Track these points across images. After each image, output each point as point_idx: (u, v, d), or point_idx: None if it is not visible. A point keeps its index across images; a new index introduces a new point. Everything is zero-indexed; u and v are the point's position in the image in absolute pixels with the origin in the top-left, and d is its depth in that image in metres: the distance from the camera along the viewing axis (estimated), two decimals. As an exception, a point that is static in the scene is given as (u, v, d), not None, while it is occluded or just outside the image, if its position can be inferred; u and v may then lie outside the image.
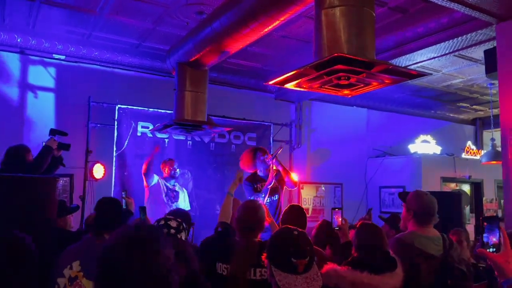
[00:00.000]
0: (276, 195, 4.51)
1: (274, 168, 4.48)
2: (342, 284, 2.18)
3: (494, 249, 1.35)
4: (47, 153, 3.75)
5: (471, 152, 8.19)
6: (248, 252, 2.34)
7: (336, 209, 3.11)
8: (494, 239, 1.35)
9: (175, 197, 5.10)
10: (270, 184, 4.37)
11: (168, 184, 5.14)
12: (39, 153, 3.76)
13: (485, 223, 1.38)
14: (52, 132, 3.94)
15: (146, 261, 1.21)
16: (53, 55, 5.49)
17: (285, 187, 4.62)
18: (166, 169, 5.20)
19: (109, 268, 1.21)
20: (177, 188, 5.23)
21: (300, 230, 1.81)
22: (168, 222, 2.04)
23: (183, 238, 2.03)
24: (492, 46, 4.58)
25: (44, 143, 3.87)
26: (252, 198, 4.32)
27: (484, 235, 1.37)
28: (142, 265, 1.20)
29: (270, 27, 3.53)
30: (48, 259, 2.24)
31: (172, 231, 2.00)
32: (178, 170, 5.26)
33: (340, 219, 3.05)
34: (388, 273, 2.24)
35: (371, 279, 2.19)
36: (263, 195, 4.36)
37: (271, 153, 4.83)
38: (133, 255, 1.20)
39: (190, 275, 1.85)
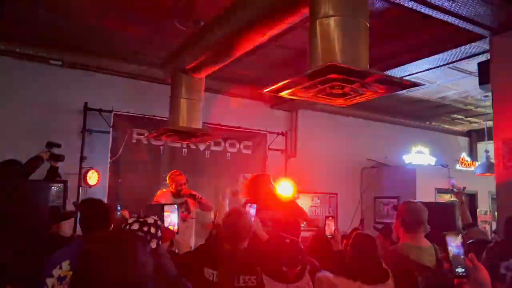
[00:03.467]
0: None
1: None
2: None
3: (463, 270, 1.34)
4: (35, 160, 4.04)
5: (465, 164, 8.22)
6: (234, 260, 2.33)
7: (330, 217, 3.13)
8: (461, 255, 1.35)
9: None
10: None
11: (175, 199, 4.73)
12: (29, 159, 3.98)
13: (446, 236, 1.38)
14: (48, 145, 4.30)
15: (121, 266, 1.19)
16: (50, 61, 5.49)
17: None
18: (173, 185, 4.82)
19: (84, 271, 1.20)
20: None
21: (292, 238, 1.82)
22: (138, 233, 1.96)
23: (153, 246, 1.97)
24: (486, 59, 4.63)
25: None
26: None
27: (449, 247, 1.36)
28: (118, 271, 1.19)
29: (265, 37, 3.56)
30: (39, 264, 2.23)
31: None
32: (183, 191, 4.80)
33: (333, 228, 3.07)
34: (380, 284, 2.24)
35: None
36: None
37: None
38: (108, 260, 1.19)
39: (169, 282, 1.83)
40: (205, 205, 4.82)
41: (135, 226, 1.97)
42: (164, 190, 5.01)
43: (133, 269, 1.21)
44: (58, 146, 4.36)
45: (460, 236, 1.38)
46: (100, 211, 2.49)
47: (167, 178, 4.93)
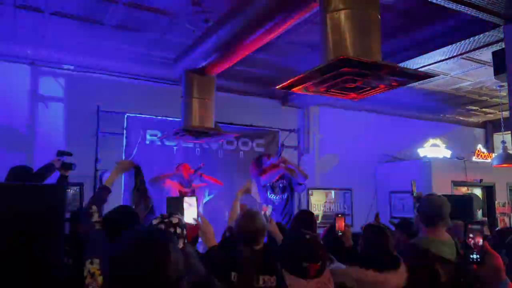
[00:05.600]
0: (286, 194, 4.76)
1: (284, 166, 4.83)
2: (347, 281, 2.19)
3: (478, 256, 1.36)
4: (48, 167, 4.07)
5: (481, 156, 8.09)
6: (252, 260, 2.33)
7: (340, 215, 3.13)
8: (477, 242, 1.37)
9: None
10: (276, 174, 4.65)
11: (184, 189, 5.02)
12: (41, 167, 4.02)
13: (469, 225, 1.40)
14: (59, 153, 4.30)
15: (158, 262, 1.19)
16: (63, 65, 5.57)
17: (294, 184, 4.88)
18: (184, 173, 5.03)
19: (118, 268, 1.20)
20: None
21: (312, 234, 1.81)
22: None
23: (180, 246, 1.95)
24: (500, 48, 4.54)
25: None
26: (263, 203, 4.46)
27: (470, 235, 1.39)
28: (155, 266, 1.18)
29: (276, 33, 3.55)
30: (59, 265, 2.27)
31: None
32: (195, 171, 5.03)
33: (343, 225, 3.06)
34: (392, 271, 2.25)
35: (376, 277, 2.21)
36: (275, 194, 4.69)
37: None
38: (144, 256, 1.19)
39: (199, 282, 1.83)
40: (211, 180, 5.15)
41: (161, 227, 1.97)
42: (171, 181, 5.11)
43: (166, 267, 1.20)
44: (69, 154, 4.36)
45: (481, 226, 1.39)
46: (129, 216, 2.50)
47: (175, 171, 5.14)
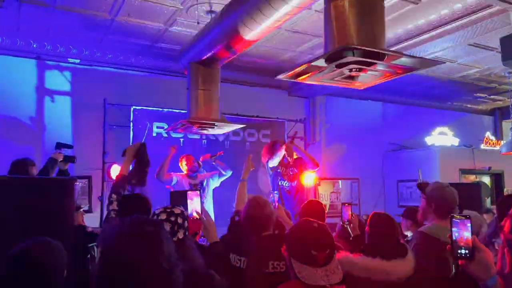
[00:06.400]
0: (295, 182, 4.80)
1: (295, 156, 4.85)
2: (354, 270, 2.18)
3: (467, 251, 1.29)
4: (51, 164, 3.86)
5: (490, 143, 8.03)
6: (261, 246, 2.34)
7: (346, 204, 3.13)
8: (465, 237, 1.29)
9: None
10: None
11: (191, 180, 5.03)
12: (44, 165, 3.85)
13: (453, 219, 1.31)
14: (58, 145, 4.03)
15: (149, 251, 1.20)
16: (68, 59, 5.59)
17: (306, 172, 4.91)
18: (184, 164, 5.06)
19: (110, 257, 1.21)
20: (204, 184, 5.11)
21: (320, 222, 1.81)
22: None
23: (180, 237, 1.98)
24: (508, 33, 4.48)
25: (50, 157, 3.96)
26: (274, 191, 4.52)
27: (453, 229, 1.31)
28: (146, 255, 1.19)
29: (280, 22, 3.52)
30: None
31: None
32: (199, 162, 5.07)
33: (350, 213, 3.06)
34: (399, 259, 2.24)
35: (383, 265, 2.19)
36: (285, 182, 4.77)
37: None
38: (134, 245, 1.20)
39: (191, 273, 1.83)
40: (223, 165, 5.17)
41: (163, 216, 1.99)
42: (179, 173, 5.12)
43: (157, 256, 1.21)
44: (70, 147, 4.13)
45: (466, 219, 1.31)
46: (142, 205, 2.53)
47: (180, 163, 5.11)
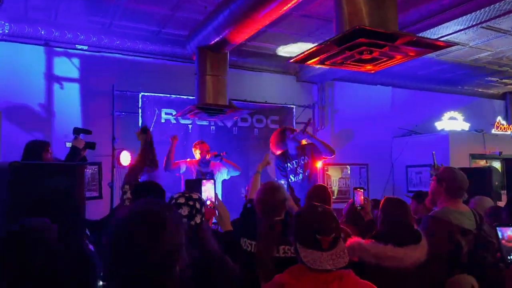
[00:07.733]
0: (308, 171, 4.70)
1: (304, 142, 4.74)
2: (366, 257, 2.18)
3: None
4: (75, 154, 3.62)
5: (501, 128, 7.94)
6: (271, 231, 2.35)
7: (358, 189, 3.12)
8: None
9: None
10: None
11: (202, 168, 4.99)
12: (67, 156, 3.69)
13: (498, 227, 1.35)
14: (76, 131, 3.78)
15: (152, 233, 1.21)
16: (76, 45, 5.58)
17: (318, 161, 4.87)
18: (198, 153, 5.00)
19: (115, 240, 1.23)
20: (215, 175, 5.02)
21: (325, 206, 1.80)
22: (179, 210, 1.96)
23: (198, 221, 2.00)
24: (522, 15, 4.38)
25: (71, 143, 3.76)
26: (280, 180, 4.48)
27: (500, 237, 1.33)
28: (149, 237, 1.20)
29: (289, 5, 3.48)
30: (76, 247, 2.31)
31: (184, 220, 1.94)
32: (209, 155, 4.97)
33: (362, 198, 3.05)
34: (412, 246, 2.22)
35: (395, 252, 2.18)
36: (293, 176, 4.66)
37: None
38: (138, 226, 1.21)
39: (205, 257, 1.84)
40: (232, 165, 5.06)
41: (181, 200, 2.00)
42: (188, 160, 5.12)
43: (161, 238, 1.22)
44: (88, 132, 3.89)
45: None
46: (156, 188, 2.54)
47: (193, 149, 5.10)
